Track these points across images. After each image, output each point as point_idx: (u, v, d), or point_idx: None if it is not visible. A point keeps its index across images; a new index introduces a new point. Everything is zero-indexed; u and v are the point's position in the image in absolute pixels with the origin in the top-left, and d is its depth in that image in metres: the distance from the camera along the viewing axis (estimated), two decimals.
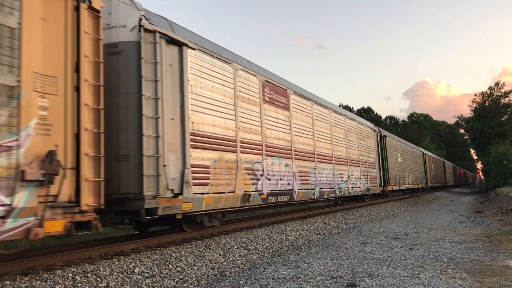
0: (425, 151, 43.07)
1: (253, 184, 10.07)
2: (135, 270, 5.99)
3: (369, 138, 20.86)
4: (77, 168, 5.65)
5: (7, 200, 4.68)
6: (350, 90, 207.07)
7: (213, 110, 8.98)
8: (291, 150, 12.20)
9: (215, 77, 9.22)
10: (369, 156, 20.39)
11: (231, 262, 7.40)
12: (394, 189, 25.40)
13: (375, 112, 77.98)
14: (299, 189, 12.38)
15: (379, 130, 23.59)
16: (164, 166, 7.36)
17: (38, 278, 5.14)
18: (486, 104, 51.89)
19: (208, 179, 8.54)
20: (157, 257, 6.75)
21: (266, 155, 10.85)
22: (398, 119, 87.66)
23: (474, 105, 54.23)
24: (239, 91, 10.01)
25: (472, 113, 54.54)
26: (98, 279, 5.44)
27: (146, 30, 7.41)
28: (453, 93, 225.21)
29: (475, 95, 54.95)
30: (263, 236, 9.65)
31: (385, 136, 24.12)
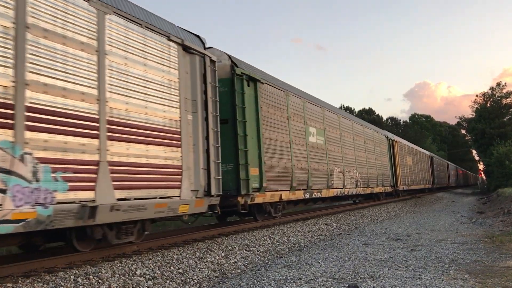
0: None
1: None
2: (136, 272, 6.00)
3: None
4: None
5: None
6: (350, 91, 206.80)
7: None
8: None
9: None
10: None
11: (233, 264, 7.41)
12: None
13: (377, 113, 77.99)
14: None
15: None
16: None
17: (40, 280, 5.16)
18: (488, 105, 51.90)
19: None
20: (159, 259, 6.76)
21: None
22: (399, 120, 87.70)
23: (476, 106, 54.29)
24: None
25: (474, 114, 54.56)
26: (100, 281, 5.45)
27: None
28: (453, 94, 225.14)
29: (477, 95, 55.01)
30: (265, 237, 9.65)
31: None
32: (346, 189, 16.61)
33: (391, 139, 25.89)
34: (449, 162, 62.42)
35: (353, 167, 17.87)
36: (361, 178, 18.79)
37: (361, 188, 18.73)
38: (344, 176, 16.60)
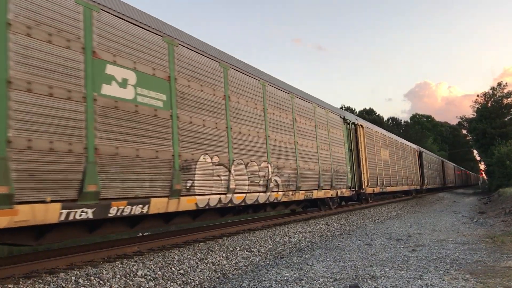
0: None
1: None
2: (138, 273, 6.00)
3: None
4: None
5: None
6: (351, 92, 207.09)
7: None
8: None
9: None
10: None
11: (234, 264, 7.40)
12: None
13: (377, 114, 77.97)
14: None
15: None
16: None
17: (41, 281, 5.16)
18: (489, 104, 51.84)
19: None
20: (160, 259, 6.76)
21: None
22: (400, 120, 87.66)
23: (477, 106, 54.21)
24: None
25: (475, 113, 54.49)
26: (101, 282, 5.45)
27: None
28: (454, 94, 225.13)
29: (478, 95, 54.97)
30: (266, 238, 9.65)
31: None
32: (236, 194, 9.30)
33: (354, 123, 18.24)
34: (445, 160, 57.89)
35: (263, 157, 10.58)
36: (279, 175, 11.25)
37: (281, 193, 11.19)
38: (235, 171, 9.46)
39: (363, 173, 18.35)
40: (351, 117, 18.66)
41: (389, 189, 23.40)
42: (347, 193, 16.37)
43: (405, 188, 28.28)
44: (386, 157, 24.40)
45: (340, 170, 15.85)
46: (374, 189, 20.17)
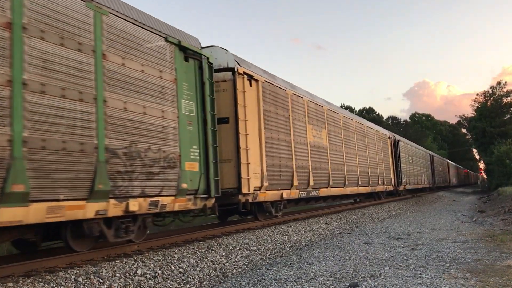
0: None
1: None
2: (137, 272, 6.00)
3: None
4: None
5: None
6: (350, 91, 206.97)
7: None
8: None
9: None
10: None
11: (234, 263, 7.41)
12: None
13: (377, 113, 77.95)
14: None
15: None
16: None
17: (41, 280, 5.16)
18: (488, 103, 51.84)
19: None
20: (160, 258, 6.76)
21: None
22: (400, 119, 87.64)
23: (476, 105, 54.20)
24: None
25: (474, 112, 54.50)
26: (100, 280, 5.45)
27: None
28: (453, 93, 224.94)
29: (477, 94, 54.91)
30: (265, 237, 9.65)
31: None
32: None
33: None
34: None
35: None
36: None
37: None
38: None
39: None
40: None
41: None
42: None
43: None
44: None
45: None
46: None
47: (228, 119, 9.79)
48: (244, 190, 9.63)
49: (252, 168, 9.97)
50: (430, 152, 40.78)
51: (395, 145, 25.96)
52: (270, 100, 11.47)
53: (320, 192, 13.99)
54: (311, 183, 13.21)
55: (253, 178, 10.01)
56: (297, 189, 12.30)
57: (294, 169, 12.15)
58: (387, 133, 25.47)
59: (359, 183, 18.22)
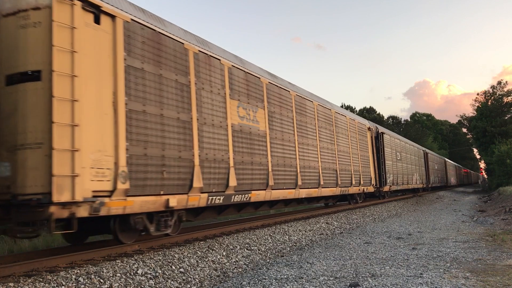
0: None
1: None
2: (138, 271, 6.00)
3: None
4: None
5: None
6: (350, 90, 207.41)
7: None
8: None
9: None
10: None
11: (234, 263, 7.41)
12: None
13: (378, 112, 77.88)
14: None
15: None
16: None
17: (41, 279, 5.16)
18: (489, 103, 51.78)
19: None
20: (160, 258, 6.76)
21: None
22: (401, 119, 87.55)
23: (477, 104, 54.13)
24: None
25: (475, 112, 54.44)
26: (101, 280, 5.45)
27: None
28: (454, 92, 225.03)
29: (478, 94, 54.80)
30: (266, 236, 9.65)
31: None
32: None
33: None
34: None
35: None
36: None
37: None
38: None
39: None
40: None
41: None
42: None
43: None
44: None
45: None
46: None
47: (39, 73, 5.88)
48: (62, 197, 5.62)
49: (85, 157, 5.98)
50: (424, 148, 36.75)
51: (378, 138, 21.39)
52: (145, 53, 7.35)
53: (252, 196, 9.91)
54: (233, 183, 9.20)
55: (90, 176, 6.06)
56: (203, 192, 8.31)
57: (197, 163, 8.19)
58: (367, 123, 20.64)
59: (321, 183, 13.75)
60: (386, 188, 21.42)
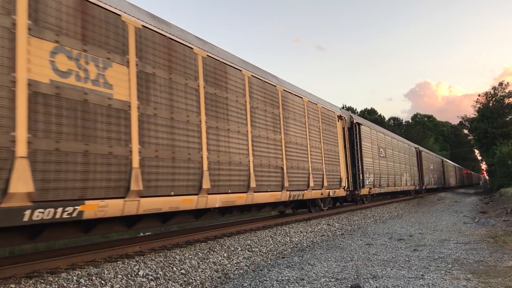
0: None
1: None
2: (139, 273, 6.00)
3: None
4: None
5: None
6: (351, 91, 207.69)
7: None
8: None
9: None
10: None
11: (235, 264, 7.40)
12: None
13: (379, 113, 77.87)
14: None
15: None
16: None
17: (43, 281, 5.16)
18: (490, 104, 51.75)
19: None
20: (161, 259, 6.77)
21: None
22: (402, 120, 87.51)
23: (478, 106, 54.13)
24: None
25: (476, 113, 54.43)
26: (102, 281, 5.45)
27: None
28: (454, 93, 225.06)
29: (479, 95, 54.84)
30: (267, 238, 9.65)
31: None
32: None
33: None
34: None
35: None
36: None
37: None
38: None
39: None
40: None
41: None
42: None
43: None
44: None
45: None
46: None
47: None
48: None
49: None
50: (416, 145, 33.11)
51: (353, 129, 17.59)
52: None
53: (107, 211, 6.09)
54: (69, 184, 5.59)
55: None
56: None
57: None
58: (337, 110, 16.55)
59: (252, 185, 9.68)
60: (364, 191, 17.84)
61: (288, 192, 11.59)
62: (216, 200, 8.60)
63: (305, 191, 12.68)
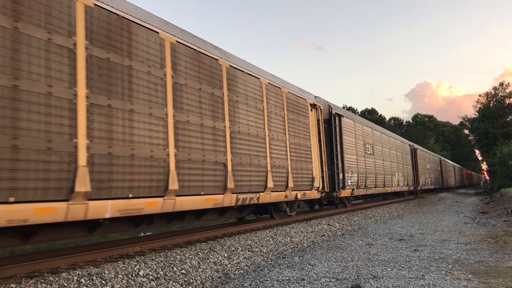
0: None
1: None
2: (139, 273, 6.00)
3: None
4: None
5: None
6: (351, 91, 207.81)
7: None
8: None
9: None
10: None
11: (236, 264, 7.40)
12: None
13: (379, 114, 77.87)
14: None
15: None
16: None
17: (43, 281, 5.16)
18: (491, 104, 51.74)
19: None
20: (162, 259, 6.77)
21: None
22: (402, 120, 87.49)
23: (479, 106, 54.13)
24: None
25: (477, 113, 54.42)
26: (103, 281, 5.45)
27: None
28: (455, 94, 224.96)
29: (480, 95, 54.87)
30: (268, 238, 9.65)
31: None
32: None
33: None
34: (418, 147, 33.27)
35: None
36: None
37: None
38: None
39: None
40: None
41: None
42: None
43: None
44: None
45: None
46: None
47: None
48: None
49: None
50: (411, 143, 30.24)
51: (332, 121, 15.27)
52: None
53: None
54: None
55: None
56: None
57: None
58: (310, 97, 13.94)
59: (170, 187, 7.29)
60: (345, 193, 15.72)
61: (235, 195, 9.15)
62: (107, 209, 6.14)
63: (262, 193, 10.18)
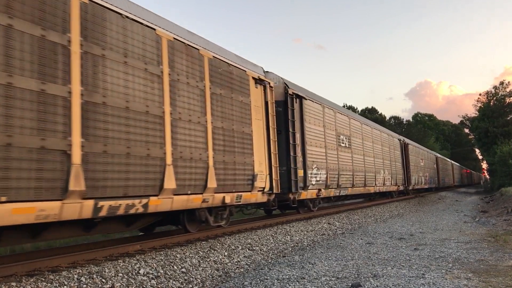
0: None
1: None
2: (140, 271, 6.01)
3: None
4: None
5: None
6: (351, 90, 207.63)
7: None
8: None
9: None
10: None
11: (236, 263, 7.41)
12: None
13: (380, 113, 77.86)
14: None
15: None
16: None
17: (43, 279, 5.17)
18: (491, 103, 51.71)
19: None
20: (162, 258, 6.77)
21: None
22: (402, 119, 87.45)
23: (479, 105, 54.09)
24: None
25: (477, 112, 54.41)
26: (103, 280, 5.46)
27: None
28: (455, 93, 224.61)
29: (480, 94, 54.79)
30: (268, 237, 9.65)
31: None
32: None
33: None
34: (410, 142, 29.78)
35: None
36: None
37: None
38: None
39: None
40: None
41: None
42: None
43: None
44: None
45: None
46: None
47: None
48: None
49: None
50: (401, 137, 26.86)
51: (288, 103, 12.17)
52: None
53: None
54: None
55: None
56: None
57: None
58: (257, 71, 10.76)
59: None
60: (307, 194, 12.87)
61: (91, 201, 5.90)
62: None
63: (153, 197, 7.02)
